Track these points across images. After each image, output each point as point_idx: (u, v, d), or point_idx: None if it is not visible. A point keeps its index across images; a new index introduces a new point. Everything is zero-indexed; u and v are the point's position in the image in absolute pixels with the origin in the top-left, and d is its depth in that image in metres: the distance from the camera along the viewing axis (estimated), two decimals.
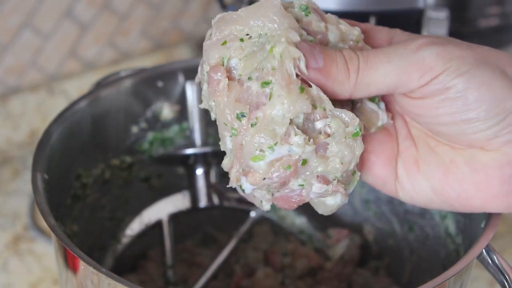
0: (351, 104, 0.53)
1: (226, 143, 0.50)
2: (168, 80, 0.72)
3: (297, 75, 0.48)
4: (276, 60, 0.48)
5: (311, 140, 0.48)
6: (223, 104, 0.49)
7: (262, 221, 0.77)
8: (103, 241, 0.72)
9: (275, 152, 0.48)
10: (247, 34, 0.50)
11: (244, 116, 0.48)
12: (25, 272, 0.82)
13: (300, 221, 0.77)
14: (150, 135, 0.72)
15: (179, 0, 1.10)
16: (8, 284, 0.80)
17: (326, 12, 0.53)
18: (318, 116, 0.49)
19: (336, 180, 0.50)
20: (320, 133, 0.49)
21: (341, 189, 0.50)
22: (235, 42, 0.50)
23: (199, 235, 0.81)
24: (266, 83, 0.48)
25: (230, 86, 0.49)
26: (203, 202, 0.73)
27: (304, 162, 0.48)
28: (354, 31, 0.52)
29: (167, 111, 0.72)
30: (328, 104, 0.49)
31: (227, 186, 0.50)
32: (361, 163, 0.54)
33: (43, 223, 0.85)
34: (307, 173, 0.49)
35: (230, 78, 0.49)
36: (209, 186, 0.73)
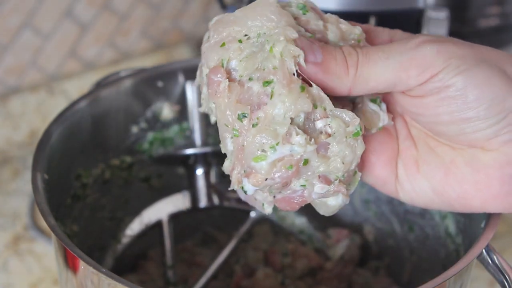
0: (351, 105, 0.53)
1: (227, 145, 0.50)
2: (168, 80, 0.72)
3: (298, 75, 0.48)
4: (277, 59, 0.48)
5: (312, 139, 0.48)
6: (224, 106, 0.49)
7: (262, 221, 0.77)
8: (103, 241, 0.72)
9: (277, 152, 0.48)
10: (245, 35, 0.50)
11: (246, 116, 0.48)
12: (25, 272, 0.82)
13: (300, 221, 0.77)
14: (150, 135, 0.72)
15: (179, 0, 1.10)
16: (8, 284, 0.80)
17: (326, 12, 0.53)
18: (318, 115, 0.49)
19: (337, 180, 0.49)
20: (321, 133, 0.49)
21: (343, 189, 0.50)
22: (233, 43, 0.50)
23: (199, 235, 0.81)
24: (267, 82, 0.48)
25: (230, 87, 0.49)
26: (203, 202, 0.73)
27: (306, 162, 0.48)
28: (355, 30, 0.52)
29: (167, 111, 0.72)
30: (329, 104, 0.49)
31: (229, 189, 0.50)
32: (362, 164, 0.54)
33: (43, 223, 0.85)
34: (309, 173, 0.49)
35: (230, 79, 0.49)
36: (209, 186, 0.73)
